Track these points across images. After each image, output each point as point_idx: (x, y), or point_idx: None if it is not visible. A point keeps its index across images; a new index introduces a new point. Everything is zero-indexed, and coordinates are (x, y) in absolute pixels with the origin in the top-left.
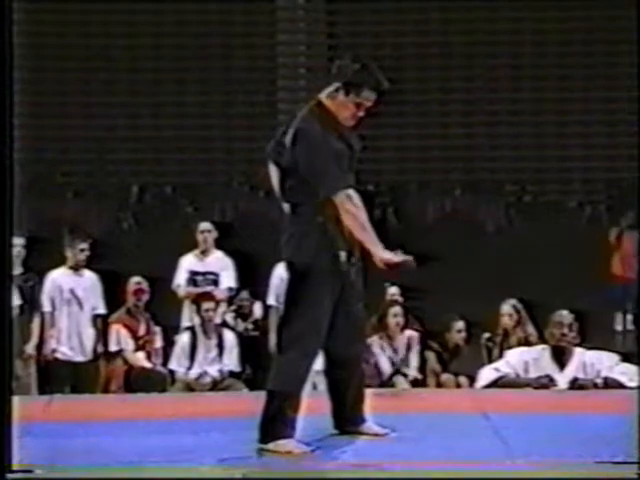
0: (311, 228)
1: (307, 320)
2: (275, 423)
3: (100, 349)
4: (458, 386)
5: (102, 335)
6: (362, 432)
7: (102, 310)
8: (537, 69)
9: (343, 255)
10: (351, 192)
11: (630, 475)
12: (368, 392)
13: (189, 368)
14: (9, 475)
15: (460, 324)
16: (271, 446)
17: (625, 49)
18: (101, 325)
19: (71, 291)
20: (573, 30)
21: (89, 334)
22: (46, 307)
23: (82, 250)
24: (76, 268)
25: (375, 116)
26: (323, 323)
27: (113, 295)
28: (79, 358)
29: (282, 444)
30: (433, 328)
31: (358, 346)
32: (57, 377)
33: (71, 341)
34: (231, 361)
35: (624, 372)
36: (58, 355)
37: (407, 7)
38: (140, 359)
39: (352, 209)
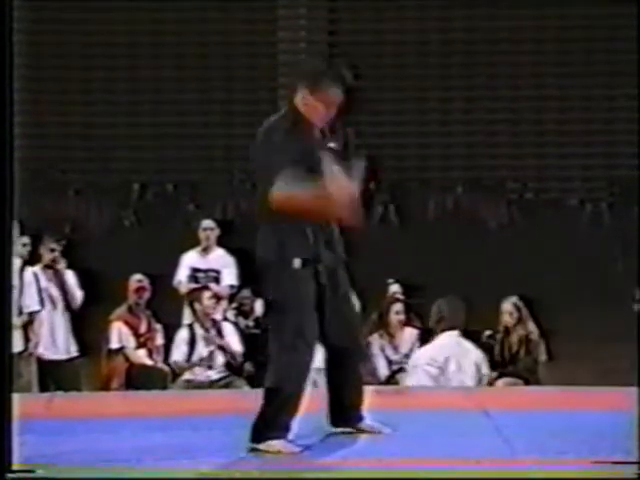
0: (273, 234)
1: (288, 324)
2: (268, 424)
3: (74, 349)
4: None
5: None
6: (361, 429)
7: (79, 308)
8: (537, 67)
9: (297, 262)
10: (282, 183)
11: (630, 475)
12: (370, 389)
13: (188, 361)
14: (9, 475)
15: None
16: (262, 446)
17: (625, 47)
18: (80, 323)
19: (45, 290)
20: (573, 28)
21: (63, 333)
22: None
23: (52, 250)
24: (50, 267)
25: (375, 114)
26: (304, 325)
27: (114, 293)
28: (53, 357)
29: (273, 444)
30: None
31: (354, 346)
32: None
33: (45, 340)
34: (230, 354)
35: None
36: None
37: (407, 5)
38: (141, 356)
39: (281, 198)
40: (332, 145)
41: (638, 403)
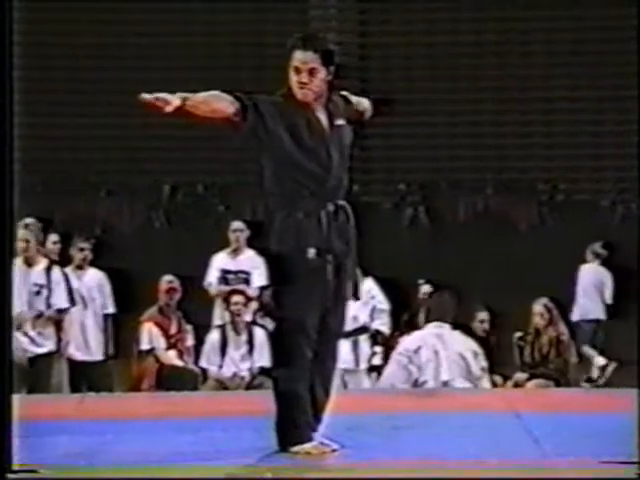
0: (287, 224)
1: (290, 318)
2: (293, 428)
3: (110, 349)
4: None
5: (112, 335)
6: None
7: (111, 309)
8: (570, 68)
9: (312, 252)
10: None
11: (630, 475)
12: (401, 391)
13: (220, 366)
14: (10, 475)
15: (483, 315)
16: (296, 449)
17: None
18: (112, 325)
19: (76, 290)
20: (607, 29)
21: (94, 334)
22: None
23: (81, 249)
24: (81, 267)
25: (406, 115)
26: (307, 320)
27: (145, 294)
28: (84, 358)
29: (304, 448)
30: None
31: (333, 345)
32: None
33: (76, 340)
34: (261, 357)
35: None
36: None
37: (438, 7)
38: (172, 357)
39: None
40: (339, 122)
41: (638, 405)
